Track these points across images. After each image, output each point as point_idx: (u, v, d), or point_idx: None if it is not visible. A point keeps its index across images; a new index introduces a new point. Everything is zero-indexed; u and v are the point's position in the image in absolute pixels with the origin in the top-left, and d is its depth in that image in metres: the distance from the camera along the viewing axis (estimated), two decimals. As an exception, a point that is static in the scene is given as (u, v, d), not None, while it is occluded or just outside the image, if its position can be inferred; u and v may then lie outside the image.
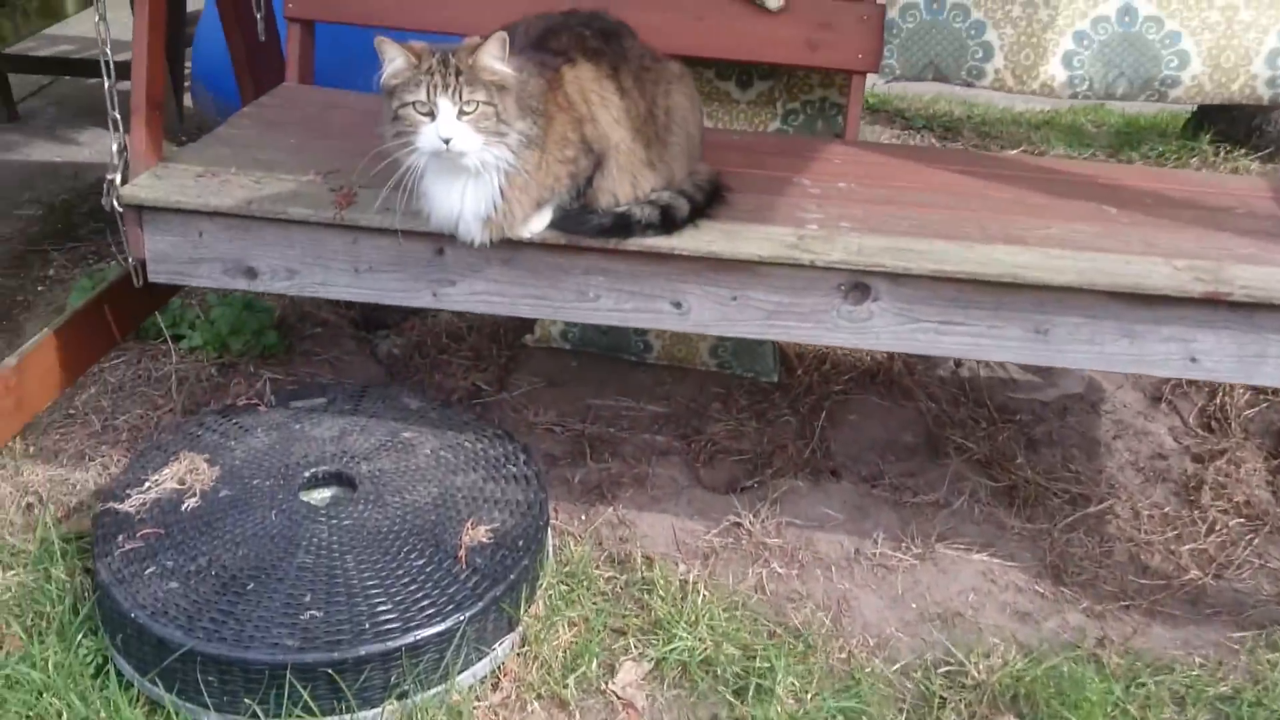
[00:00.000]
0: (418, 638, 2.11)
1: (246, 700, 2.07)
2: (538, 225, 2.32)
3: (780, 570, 2.68)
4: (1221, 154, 4.96)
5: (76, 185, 4.58)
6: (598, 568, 2.61)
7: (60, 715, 2.12)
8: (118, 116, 2.48)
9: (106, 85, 2.46)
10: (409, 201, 2.23)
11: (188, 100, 4.95)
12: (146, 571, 2.21)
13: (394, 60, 2.12)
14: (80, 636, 2.27)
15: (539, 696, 2.27)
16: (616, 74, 2.32)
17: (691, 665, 2.35)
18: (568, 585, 2.52)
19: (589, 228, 2.31)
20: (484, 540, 2.33)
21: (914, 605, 2.61)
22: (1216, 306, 2.24)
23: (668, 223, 2.35)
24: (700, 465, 3.09)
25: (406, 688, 2.12)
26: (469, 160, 2.13)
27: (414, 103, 2.10)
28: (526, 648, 2.34)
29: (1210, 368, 2.31)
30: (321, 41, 3.25)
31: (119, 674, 2.21)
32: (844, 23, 3.02)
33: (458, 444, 2.65)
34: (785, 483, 3.00)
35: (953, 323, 2.34)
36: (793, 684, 2.32)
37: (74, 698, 2.14)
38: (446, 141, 2.08)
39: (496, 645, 2.26)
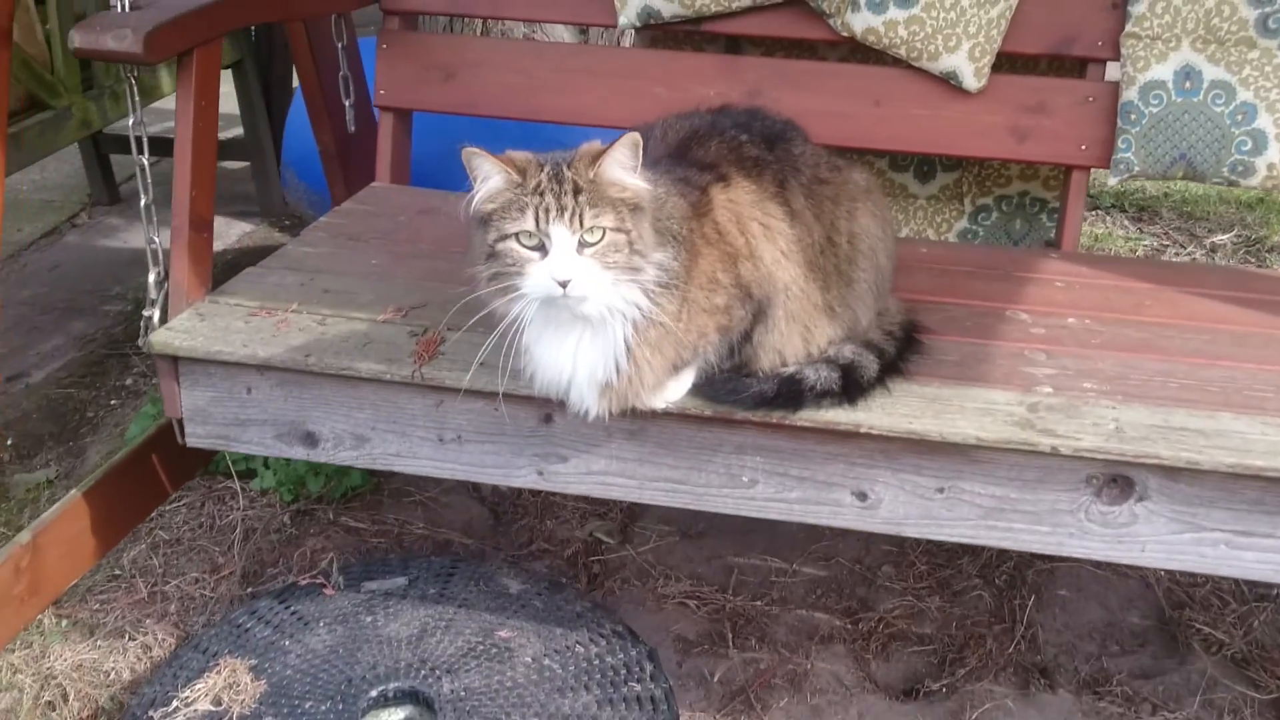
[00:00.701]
0: None
1: None
2: (675, 392, 1.74)
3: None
4: None
5: (169, 279, 4.21)
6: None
7: None
8: (156, 240, 1.99)
9: (143, 202, 1.98)
10: (509, 360, 1.68)
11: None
12: None
13: (489, 178, 1.57)
14: None
15: None
16: (784, 191, 1.75)
17: None
18: None
19: (745, 397, 1.72)
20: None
21: None
22: None
23: (850, 388, 1.74)
24: (871, 656, 2.46)
25: None
26: (590, 307, 1.58)
27: (518, 234, 1.55)
28: None
29: None
30: (421, 132, 2.76)
31: None
32: (1061, 105, 2.38)
33: (566, 648, 2.08)
34: (983, 689, 2.34)
35: (1255, 534, 1.67)
36: None
37: None
38: (564, 285, 1.54)
39: None
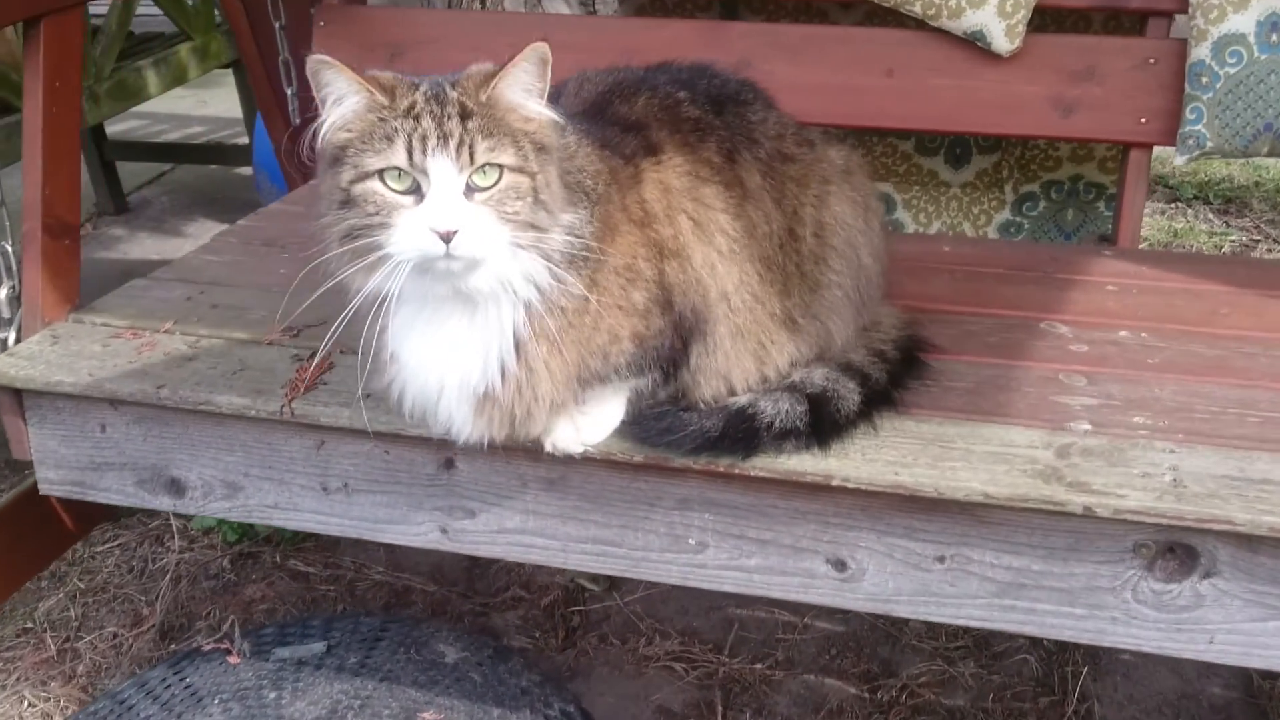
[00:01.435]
0: None
1: None
2: (596, 432, 1.37)
3: None
4: None
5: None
6: None
7: None
8: (9, 248, 1.68)
9: (-13, 209, 1.67)
10: (370, 364, 1.32)
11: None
12: None
13: (343, 99, 1.18)
14: None
15: None
16: (733, 165, 1.36)
17: None
18: None
19: (681, 437, 1.33)
20: None
21: None
22: None
23: (821, 426, 1.35)
24: (893, 739, 2.08)
25: None
26: (480, 279, 1.20)
27: (382, 171, 1.16)
28: None
29: None
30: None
31: None
32: (1116, 69, 1.96)
33: (504, 736, 1.71)
34: (1031, 787, 1.94)
35: (1364, 624, 1.24)
36: None
37: None
38: (447, 239, 1.15)
39: None
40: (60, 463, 1.64)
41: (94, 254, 4.34)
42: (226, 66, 4.31)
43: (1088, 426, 1.40)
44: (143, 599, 2.37)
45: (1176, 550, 1.28)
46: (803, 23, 2.28)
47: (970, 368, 1.55)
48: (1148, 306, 1.73)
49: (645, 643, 2.26)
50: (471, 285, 1.20)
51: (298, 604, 2.34)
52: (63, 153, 1.69)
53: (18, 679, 2.18)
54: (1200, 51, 1.87)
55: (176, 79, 4.02)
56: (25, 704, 2.13)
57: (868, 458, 1.34)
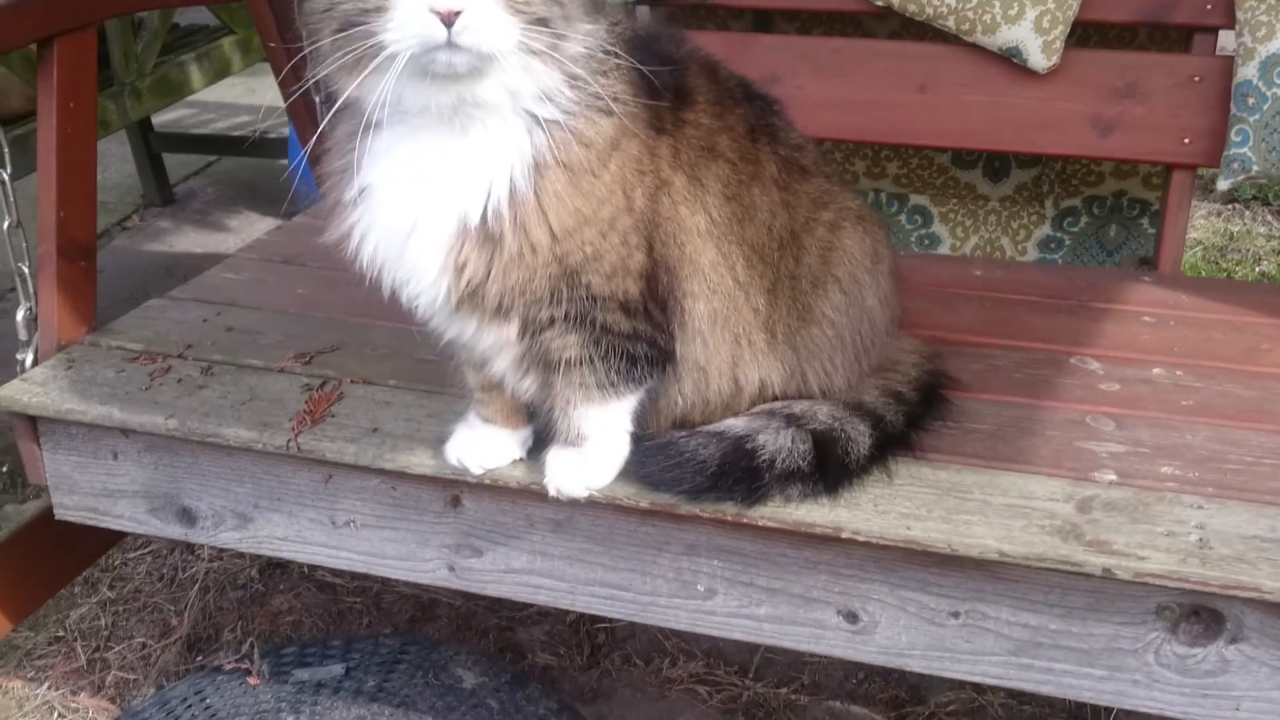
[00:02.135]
0: None
1: None
2: (599, 474, 1.33)
3: None
4: None
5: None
6: None
7: None
8: (25, 270, 1.68)
9: (5, 224, 1.66)
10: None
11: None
12: None
13: None
14: None
15: None
16: (753, 145, 1.30)
17: None
18: None
19: (680, 475, 1.29)
20: None
21: None
22: None
23: (829, 470, 1.31)
24: (921, 773, 2.03)
25: None
26: (488, 86, 1.08)
27: None
28: None
29: None
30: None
31: None
32: (1158, 87, 1.88)
33: (518, 767, 1.69)
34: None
35: (1402, 697, 1.17)
36: None
37: None
38: (449, 22, 1.01)
39: None
40: (74, 488, 1.64)
41: (141, 245, 4.38)
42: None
43: (1113, 477, 1.34)
44: (171, 608, 2.38)
45: (1201, 614, 1.23)
46: (835, 35, 2.22)
47: (993, 408, 1.49)
48: (1185, 341, 1.66)
49: (670, 664, 2.23)
50: (478, 94, 1.08)
51: (324, 616, 2.34)
52: (78, 174, 1.68)
53: (49, 687, 2.21)
54: (1247, 71, 1.78)
55: (220, 73, 4.02)
56: (55, 715, 2.15)
57: (879, 509, 1.30)
